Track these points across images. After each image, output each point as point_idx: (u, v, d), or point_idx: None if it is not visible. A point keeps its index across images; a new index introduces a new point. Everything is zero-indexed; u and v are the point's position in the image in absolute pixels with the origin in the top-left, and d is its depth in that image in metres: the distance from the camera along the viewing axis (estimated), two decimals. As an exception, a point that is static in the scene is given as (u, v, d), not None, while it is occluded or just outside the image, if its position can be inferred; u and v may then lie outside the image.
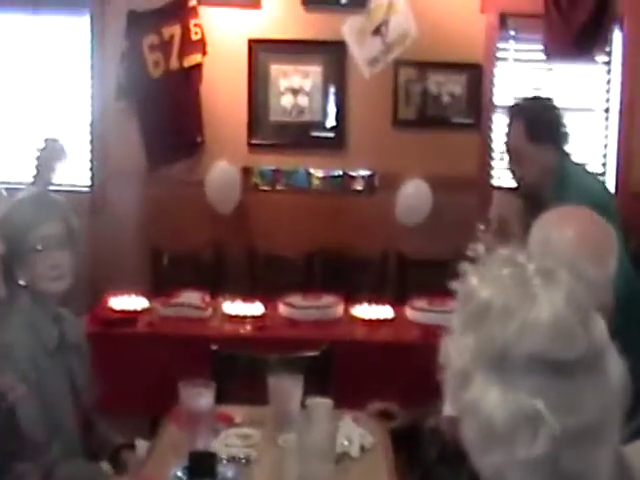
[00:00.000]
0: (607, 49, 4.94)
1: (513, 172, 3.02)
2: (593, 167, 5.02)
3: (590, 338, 0.94)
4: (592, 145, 5.02)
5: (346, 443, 2.06)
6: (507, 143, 3.01)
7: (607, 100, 5.03)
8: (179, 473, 1.46)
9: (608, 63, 5.02)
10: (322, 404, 2.10)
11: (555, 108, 3.04)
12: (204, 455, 1.54)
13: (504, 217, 2.20)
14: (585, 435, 0.93)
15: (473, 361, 0.96)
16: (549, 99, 3.13)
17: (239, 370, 2.66)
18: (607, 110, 5.04)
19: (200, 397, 1.91)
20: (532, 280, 0.98)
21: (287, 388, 2.06)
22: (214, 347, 2.66)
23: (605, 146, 5.06)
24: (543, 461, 0.92)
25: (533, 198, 2.38)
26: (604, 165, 5.02)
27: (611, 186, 4.89)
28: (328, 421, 1.99)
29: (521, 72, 4.99)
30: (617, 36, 4.95)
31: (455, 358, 0.99)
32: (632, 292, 2.46)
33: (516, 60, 4.99)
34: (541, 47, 4.78)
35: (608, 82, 5.04)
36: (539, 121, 2.91)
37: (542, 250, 1.46)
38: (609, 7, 4.58)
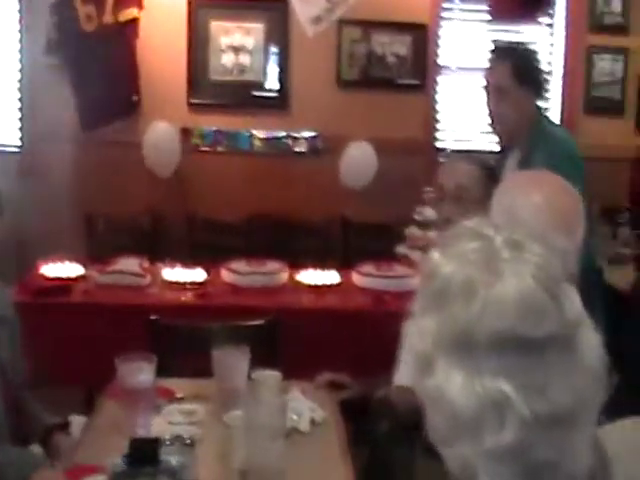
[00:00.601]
0: (550, 11, 4.92)
1: (491, 116, 2.98)
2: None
3: (562, 313, 0.86)
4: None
5: (295, 417, 1.97)
6: (489, 83, 2.98)
7: (549, 63, 5.00)
8: (118, 462, 1.34)
9: (551, 25, 4.99)
10: (270, 377, 2.01)
11: (538, 57, 3.05)
12: (146, 442, 1.42)
13: (462, 185, 2.11)
14: (558, 420, 0.85)
15: (435, 344, 0.88)
16: (529, 45, 3.20)
17: (180, 341, 2.53)
18: (550, 72, 5.01)
19: (140, 373, 1.79)
20: (499, 254, 0.89)
21: (232, 362, 1.95)
22: (153, 317, 2.53)
23: (548, 109, 5.03)
24: (513, 450, 0.84)
25: (488, 167, 2.29)
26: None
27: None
28: (276, 396, 1.89)
29: (466, 33, 4.91)
30: (560, -2, 4.92)
31: (416, 342, 0.91)
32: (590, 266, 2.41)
33: (461, 20, 4.91)
34: (486, 8, 4.72)
35: (551, 44, 5.01)
36: (526, 64, 2.91)
37: (507, 217, 1.38)
38: (554, -32, 4.53)
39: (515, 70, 2.84)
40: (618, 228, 4.13)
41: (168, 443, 1.64)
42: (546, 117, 2.93)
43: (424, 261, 0.94)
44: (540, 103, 2.97)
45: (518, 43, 3.41)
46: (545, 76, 3.02)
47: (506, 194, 1.45)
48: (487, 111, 2.99)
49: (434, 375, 0.87)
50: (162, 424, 1.88)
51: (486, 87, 3.00)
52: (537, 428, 0.83)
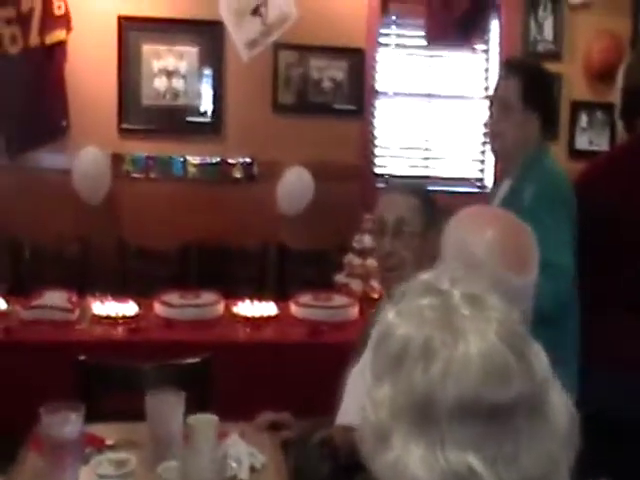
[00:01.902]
0: (485, 38, 4.96)
1: (490, 134, 2.74)
2: (472, 154, 5.03)
3: (529, 373, 0.80)
4: (471, 132, 5.01)
5: (234, 465, 1.86)
6: (495, 96, 2.70)
7: (486, 88, 5.03)
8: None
9: (486, 51, 5.04)
10: (206, 422, 1.89)
11: (553, 81, 2.87)
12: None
13: (402, 217, 2.04)
14: None
15: (392, 414, 0.80)
16: (553, 77, 2.92)
17: (111, 382, 2.40)
18: (487, 98, 5.04)
19: (65, 424, 1.66)
20: (458, 310, 0.82)
21: (166, 408, 1.83)
22: (81, 357, 2.38)
23: (484, 134, 5.06)
24: None
25: (428, 197, 2.22)
26: (483, 153, 5.03)
27: (491, 173, 4.92)
28: (214, 443, 1.78)
29: (402, 58, 4.92)
30: (495, 25, 4.97)
31: (370, 413, 0.82)
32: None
33: (398, 46, 4.91)
34: (422, 33, 4.73)
35: (486, 70, 5.05)
36: (537, 84, 2.63)
37: (459, 254, 1.32)
38: (488, -4, 4.58)
39: (525, 87, 2.57)
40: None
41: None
42: (546, 150, 2.63)
43: (377, 322, 0.86)
44: (545, 133, 2.64)
45: (534, 60, 3.13)
46: (554, 105, 2.80)
47: (458, 229, 1.39)
48: (487, 129, 2.80)
49: (391, 449, 0.79)
50: (90, 476, 1.75)
51: (490, 102, 2.75)
52: None
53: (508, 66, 2.73)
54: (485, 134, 5.02)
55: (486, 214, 1.41)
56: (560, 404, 0.82)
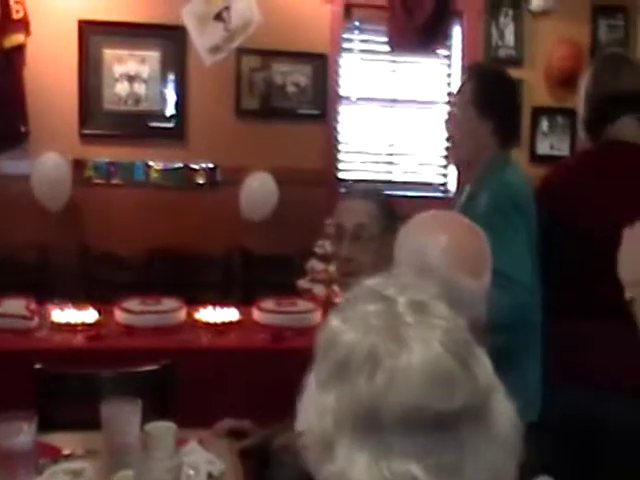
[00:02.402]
0: (448, 44, 5.00)
1: (450, 138, 2.61)
2: (436, 159, 5.06)
3: (474, 381, 0.79)
4: (435, 137, 5.04)
5: (192, 472, 1.84)
6: (453, 102, 2.61)
7: (448, 94, 5.06)
8: None
9: (448, 57, 5.07)
10: (163, 430, 1.87)
11: (515, 91, 2.66)
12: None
13: (360, 224, 2.05)
14: None
15: (336, 423, 0.79)
16: (513, 81, 2.65)
17: (69, 390, 2.36)
18: (449, 103, 5.07)
19: (18, 435, 1.63)
20: (402, 318, 0.81)
21: (122, 417, 1.80)
22: (38, 366, 2.35)
23: (447, 139, 5.09)
24: None
25: (386, 202, 2.21)
26: (446, 158, 5.05)
27: (454, 178, 4.94)
28: (171, 451, 1.76)
29: (366, 63, 4.93)
30: (457, 31, 5.01)
31: (315, 422, 0.81)
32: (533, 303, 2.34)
33: (361, 51, 4.93)
34: (385, 39, 4.74)
35: (449, 76, 5.09)
36: (491, 90, 2.46)
37: (413, 259, 1.32)
38: (450, 2, 4.60)
39: (477, 95, 2.44)
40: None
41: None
42: (506, 158, 2.48)
43: (321, 328, 0.85)
44: (504, 140, 2.48)
45: (499, 67, 2.93)
46: (514, 114, 2.57)
47: (412, 235, 1.39)
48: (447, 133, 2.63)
49: (335, 458, 0.78)
50: (44, 488, 1.72)
51: (450, 106, 2.66)
52: None
53: (465, 72, 2.68)
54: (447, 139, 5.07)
55: (439, 219, 1.41)
56: (504, 412, 0.82)
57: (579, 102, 2.39)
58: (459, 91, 2.53)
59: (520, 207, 2.31)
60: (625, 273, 1.56)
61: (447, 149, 2.65)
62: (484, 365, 0.82)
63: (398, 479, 0.75)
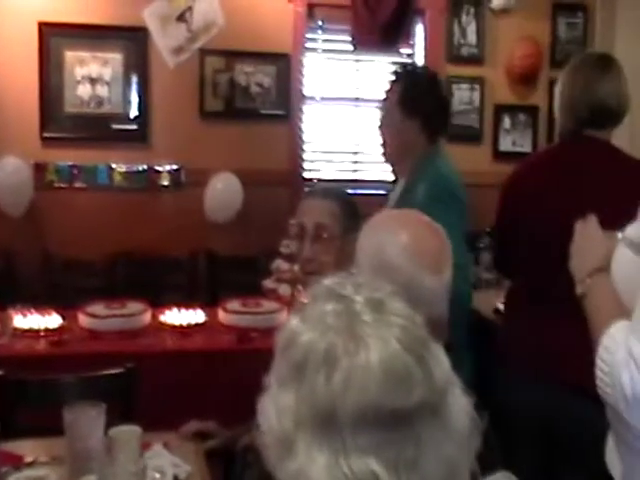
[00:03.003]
0: (410, 42, 5.02)
1: (382, 140, 2.73)
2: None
3: (430, 378, 0.80)
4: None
5: (157, 476, 1.83)
6: (381, 105, 2.74)
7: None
8: None
9: (411, 55, 5.10)
10: (127, 433, 1.85)
11: (440, 89, 2.76)
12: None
13: (321, 224, 2.06)
14: None
15: (295, 423, 0.80)
16: (437, 79, 2.80)
17: (31, 396, 2.33)
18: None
19: (-23, 442, 1.61)
20: (360, 316, 0.82)
21: (85, 422, 1.79)
22: (-1, 372, 2.32)
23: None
24: None
25: (348, 201, 2.22)
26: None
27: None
28: (135, 455, 1.75)
29: (329, 63, 4.94)
30: (419, 29, 5.03)
31: (274, 421, 0.82)
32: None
33: (324, 50, 4.94)
34: (348, 38, 4.76)
35: (412, 74, 5.10)
36: (416, 90, 2.60)
37: (374, 257, 1.32)
38: (412, 0, 4.62)
39: (402, 96, 2.57)
40: (480, 253, 4.21)
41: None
42: (436, 150, 2.64)
43: (281, 328, 0.86)
44: (433, 134, 2.62)
45: (424, 68, 3.14)
46: (441, 111, 2.68)
47: (372, 233, 1.39)
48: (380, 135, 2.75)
49: (295, 457, 0.79)
50: (6, 496, 1.70)
51: (380, 109, 2.76)
52: None
53: (395, 73, 2.76)
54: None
55: (399, 217, 1.42)
56: (460, 407, 0.83)
57: (558, 103, 2.34)
58: (387, 94, 2.66)
59: (455, 195, 2.48)
60: (576, 269, 1.56)
61: (382, 150, 2.75)
62: (441, 362, 0.83)
63: (358, 476, 0.76)
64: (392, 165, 2.75)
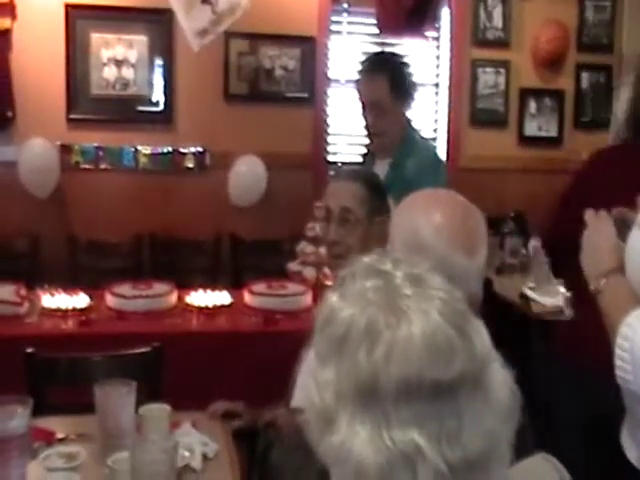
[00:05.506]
0: (436, 26, 4.98)
1: (368, 129, 3.00)
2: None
3: (471, 350, 0.81)
4: (423, 119, 5.03)
5: (187, 454, 1.84)
6: (366, 97, 2.94)
7: (437, 75, 5.07)
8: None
9: (437, 39, 5.06)
10: (158, 412, 1.88)
11: (411, 68, 3.06)
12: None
13: (347, 207, 2.07)
14: (472, 467, 0.79)
15: (336, 397, 0.80)
16: (403, 57, 3.19)
17: (60, 375, 2.36)
18: (437, 85, 5.08)
19: (12, 418, 1.63)
20: (400, 290, 0.83)
21: (116, 399, 1.81)
22: (30, 350, 2.35)
23: (435, 121, 5.10)
24: None
25: (374, 184, 2.24)
26: (435, 140, 5.05)
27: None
28: (166, 433, 1.77)
29: (354, 46, 4.91)
30: (445, 13, 4.99)
31: (315, 396, 0.82)
32: None
33: (349, 33, 4.91)
34: (373, 21, 4.73)
35: (437, 57, 5.08)
36: (402, 76, 2.93)
37: (408, 238, 1.32)
38: (438, -16, 4.59)
39: (393, 83, 2.87)
40: (504, 238, 4.19)
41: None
42: (412, 127, 3.02)
43: (320, 306, 0.86)
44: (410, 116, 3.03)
45: (393, 54, 3.37)
46: (416, 86, 3.04)
47: (406, 214, 1.39)
48: (364, 123, 3.00)
49: (337, 431, 0.79)
50: (38, 471, 1.72)
51: (361, 100, 2.96)
52: (451, 478, 0.77)
53: (373, 64, 2.92)
54: (435, 121, 5.08)
55: (434, 197, 1.40)
56: (500, 380, 0.83)
57: (624, 99, 2.28)
58: (370, 87, 2.91)
59: (438, 160, 2.99)
60: (590, 266, 1.53)
61: (367, 135, 2.97)
62: (481, 334, 0.83)
63: (400, 447, 0.76)
64: (382, 149, 2.97)
